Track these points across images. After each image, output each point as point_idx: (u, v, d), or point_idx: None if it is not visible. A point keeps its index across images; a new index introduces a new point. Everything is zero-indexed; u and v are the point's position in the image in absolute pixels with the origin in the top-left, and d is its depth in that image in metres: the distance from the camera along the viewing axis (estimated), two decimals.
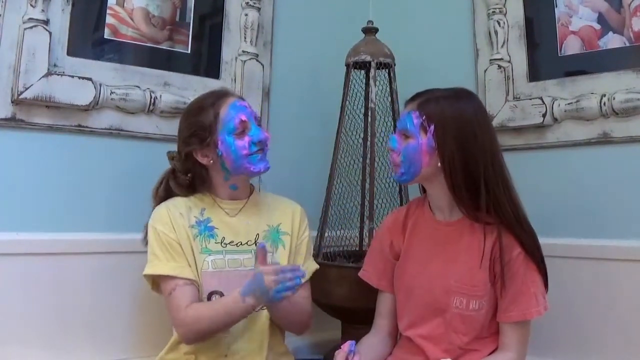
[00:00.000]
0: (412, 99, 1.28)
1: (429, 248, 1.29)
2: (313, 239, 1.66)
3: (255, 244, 1.33)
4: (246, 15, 1.78)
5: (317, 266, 1.44)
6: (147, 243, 1.31)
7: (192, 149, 1.32)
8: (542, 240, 1.27)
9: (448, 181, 1.21)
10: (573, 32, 1.64)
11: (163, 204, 1.34)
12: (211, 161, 1.32)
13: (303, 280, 1.21)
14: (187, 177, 1.37)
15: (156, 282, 1.31)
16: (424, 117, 1.22)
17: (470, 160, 1.19)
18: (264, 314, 1.32)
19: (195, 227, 1.32)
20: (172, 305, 1.25)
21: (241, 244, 1.34)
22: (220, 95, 1.35)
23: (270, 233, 1.38)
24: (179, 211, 1.32)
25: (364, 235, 1.68)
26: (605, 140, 1.54)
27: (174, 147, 1.41)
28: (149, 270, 1.28)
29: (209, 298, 1.28)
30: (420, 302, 1.26)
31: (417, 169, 1.23)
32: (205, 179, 1.37)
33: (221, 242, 1.32)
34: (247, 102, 1.37)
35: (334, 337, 1.71)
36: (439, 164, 1.21)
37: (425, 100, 1.24)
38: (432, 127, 1.21)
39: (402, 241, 1.34)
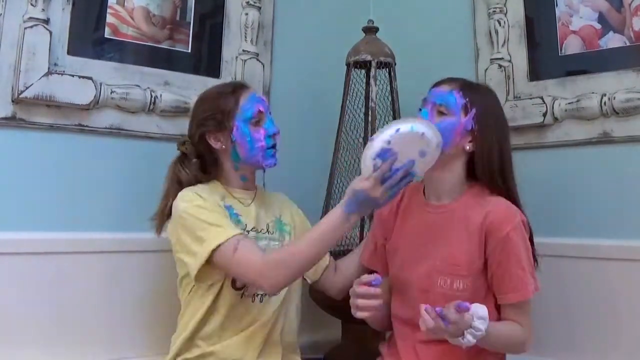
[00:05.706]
0: (447, 81, 1.29)
1: (420, 232, 1.30)
2: None
3: (268, 233, 1.36)
4: (246, 14, 1.78)
5: None
6: (169, 234, 1.29)
7: (207, 130, 1.33)
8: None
9: (479, 166, 1.25)
10: (573, 32, 1.64)
11: (186, 190, 1.30)
12: (223, 146, 1.34)
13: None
14: (197, 160, 1.36)
15: (204, 269, 1.22)
16: (467, 99, 1.25)
17: (503, 147, 1.26)
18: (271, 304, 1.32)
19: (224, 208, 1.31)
20: (242, 261, 1.20)
21: (263, 231, 1.36)
22: (240, 86, 1.39)
23: (276, 223, 1.40)
24: (205, 192, 1.30)
25: (364, 234, 1.68)
26: (605, 139, 1.54)
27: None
28: (215, 241, 1.20)
29: (233, 281, 1.27)
30: (407, 284, 1.28)
31: (445, 147, 1.22)
32: (216, 165, 1.37)
33: (245, 229, 1.32)
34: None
35: (334, 337, 1.71)
36: (467, 148, 1.25)
37: (465, 84, 1.28)
38: (474, 110, 1.24)
39: (392, 220, 1.36)
